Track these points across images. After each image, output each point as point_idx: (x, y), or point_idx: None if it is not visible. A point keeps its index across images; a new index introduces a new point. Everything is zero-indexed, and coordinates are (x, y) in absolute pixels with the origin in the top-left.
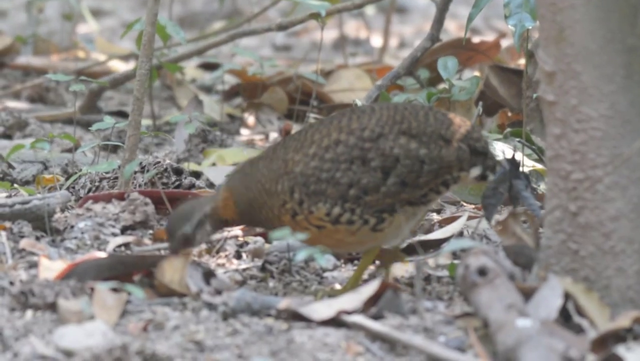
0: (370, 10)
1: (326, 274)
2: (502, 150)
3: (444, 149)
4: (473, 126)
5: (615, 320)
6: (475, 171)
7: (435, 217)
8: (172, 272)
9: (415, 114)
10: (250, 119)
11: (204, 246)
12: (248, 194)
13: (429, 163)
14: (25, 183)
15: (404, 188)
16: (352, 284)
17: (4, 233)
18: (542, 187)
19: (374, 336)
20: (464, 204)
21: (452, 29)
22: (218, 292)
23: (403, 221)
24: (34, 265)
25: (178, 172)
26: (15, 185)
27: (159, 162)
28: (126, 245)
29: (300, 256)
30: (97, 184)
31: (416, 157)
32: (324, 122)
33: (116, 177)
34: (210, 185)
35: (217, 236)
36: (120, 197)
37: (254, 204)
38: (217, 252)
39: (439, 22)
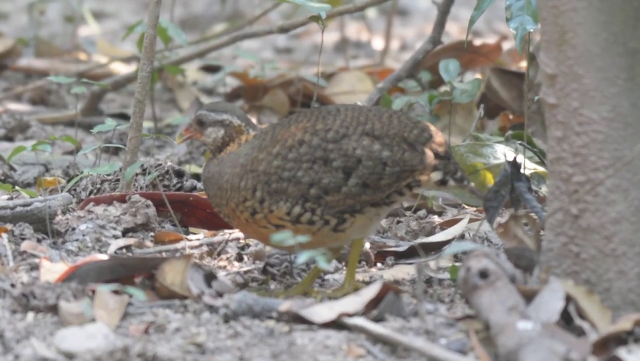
0: (371, 12)
1: (327, 276)
2: (503, 152)
3: (407, 153)
4: (436, 130)
5: (617, 323)
6: (436, 176)
7: (436, 219)
8: (173, 274)
9: (380, 116)
10: (252, 121)
11: (205, 248)
12: (239, 161)
13: (391, 165)
14: (27, 185)
15: (365, 190)
16: (349, 280)
17: (5, 235)
18: (543, 190)
19: (375, 339)
20: (466, 206)
21: (454, 31)
22: (219, 294)
23: (366, 221)
24: (35, 267)
25: (179, 174)
26: (17, 187)
27: (160, 164)
28: (127, 247)
29: (302, 258)
30: (98, 186)
31: (378, 159)
32: (291, 121)
33: (117, 180)
34: None
35: (218, 238)
36: (122, 199)
37: (224, 176)
38: (219, 254)
39: (440, 24)
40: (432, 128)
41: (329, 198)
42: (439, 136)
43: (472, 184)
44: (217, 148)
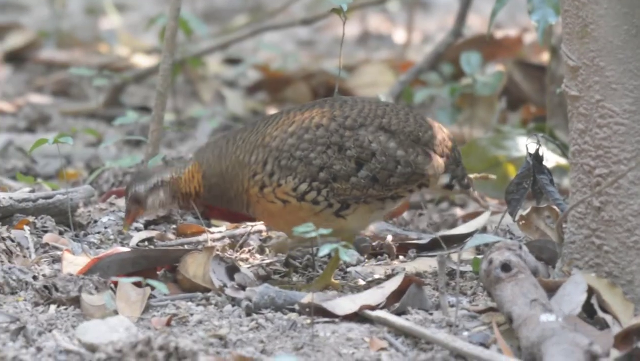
0: (393, 5)
1: (349, 269)
2: (525, 145)
3: (420, 156)
4: (449, 133)
5: (639, 316)
6: (444, 179)
7: (458, 212)
8: (195, 267)
9: (396, 112)
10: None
11: (227, 241)
12: (221, 166)
13: (404, 166)
14: (49, 178)
15: (373, 184)
16: (332, 266)
17: (27, 228)
18: (565, 182)
19: (398, 331)
20: (488, 199)
21: (475, 24)
22: (241, 287)
23: (367, 212)
24: (57, 260)
25: None
26: (39, 180)
27: (182, 157)
28: (149, 240)
29: (324, 251)
30: (120, 178)
31: (392, 156)
32: (306, 106)
33: None
34: None
35: (240, 230)
36: None
37: (227, 176)
38: (241, 247)
39: (462, 17)
40: (445, 131)
41: (337, 184)
42: (450, 140)
43: (476, 192)
44: (180, 202)
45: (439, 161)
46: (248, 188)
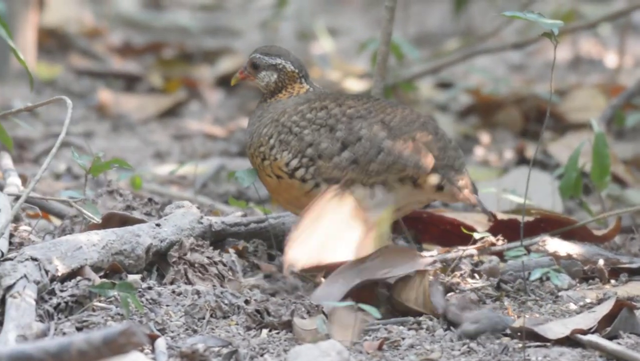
0: (605, 29)
1: (561, 293)
2: None
3: (407, 150)
4: (451, 141)
5: None
6: (434, 179)
7: None
8: (407, 290)
9: (412, 121)
10: (485, 138)
11: (438, 265)
12: (282, 104)
13: (386, 154)
14: (261, 202)
15: (352, 166)
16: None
17: (231, 251)
18: None
19: (610, 356)
20: None
21: None
22: (457, 311)
23: (360, 198)
24: None
25: None
26: (251, 204)
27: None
28: None
29: (536, 275)
30: None
31: (377, 143)
32: (348, 96)
33: None
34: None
35: (451, 254)
36: None
37: (262, 121)
38: (452, 271)
39: None
40: (451, 140)
41: (320, 162)
42: (453, 148)
43: (477, 195)
44: (270, 93)
45: (427, 158)
46: (253, 154)
